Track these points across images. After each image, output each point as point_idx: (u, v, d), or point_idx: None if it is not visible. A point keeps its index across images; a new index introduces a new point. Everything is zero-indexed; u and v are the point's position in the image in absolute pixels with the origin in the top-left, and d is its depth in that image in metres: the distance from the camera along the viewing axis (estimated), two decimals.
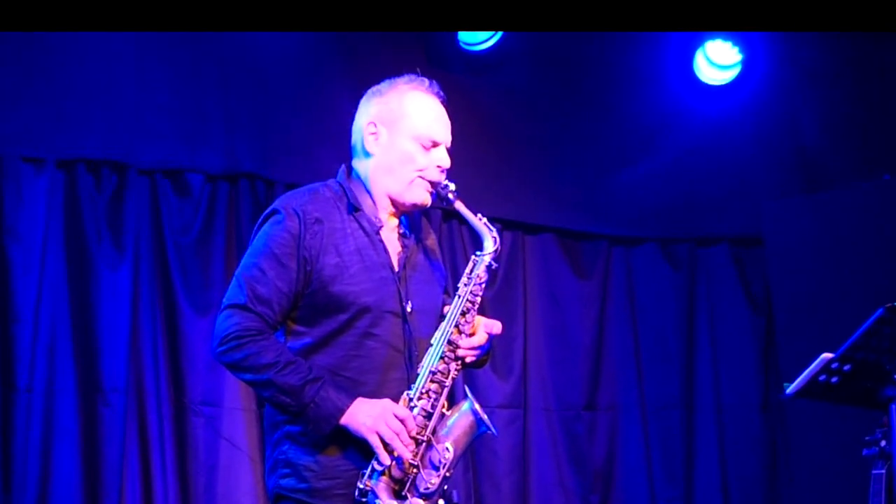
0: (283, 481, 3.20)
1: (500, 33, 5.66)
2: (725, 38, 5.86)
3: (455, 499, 3.22)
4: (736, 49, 5.88)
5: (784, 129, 6.17)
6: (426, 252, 3.45)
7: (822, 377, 3.41)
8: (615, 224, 6.21)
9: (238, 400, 5.13)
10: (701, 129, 6.16)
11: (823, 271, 5.85)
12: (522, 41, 5.81)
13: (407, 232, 3.40)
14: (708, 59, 5.97)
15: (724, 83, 6.02)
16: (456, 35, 5.62)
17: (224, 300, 3.22)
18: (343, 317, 3.21)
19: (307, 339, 3.22)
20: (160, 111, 5.13)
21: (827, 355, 3.39)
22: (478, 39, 5.69)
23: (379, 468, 3.11)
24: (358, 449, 3.15)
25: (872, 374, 3.40)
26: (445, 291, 3.47)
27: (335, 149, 5.19)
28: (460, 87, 5.77)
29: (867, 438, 3.51)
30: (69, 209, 4.95)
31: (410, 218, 3.44)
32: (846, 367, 3.39)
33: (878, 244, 5.66)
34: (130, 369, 4.94)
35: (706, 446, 6.19)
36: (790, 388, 3.48)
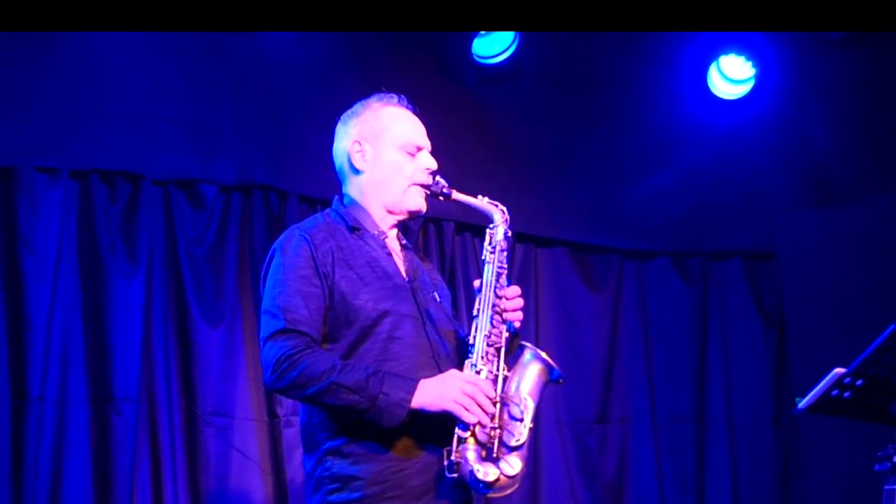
0: (332, 497, 3.20)
1: (513, 47, 5.66)
2: (739, 53, 5.86)
3: None
4: (749, 63, 5.88)
5: (797, 142, 6.16)
6: (428, 271, 3.57)
7: (835, 392, 3.40)
8: (628, 237, 6.20)
9: (249, 411, 5.13)
10: (714, 143, 6.16)
11: (836, 285, 5.84)
12: (536, 54, 5.81)
13: (407, 243, 3.53)
14: (721, 73, 5.96)
15: (737, 97, 6.02)
16: (469, 48, 5.62)
17: (261, 335, 3.25)
18: (364, 324, 3.26)
19: (335, 354, 3.25)
20: (174, 122, 5.14)
21: (839, 370, 3.38)
22: (491, 52, 5.69)
23: (464, 435, 3.15)
24: (399, 451, 3.19)
25: (885, 389, 3.39)
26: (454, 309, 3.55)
27: None
28: (473, 100, 5.78)
29: (879, 454, 3.50)
30: (83, 219, 4.96)
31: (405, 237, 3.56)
32: (858, 383, 3.37)
33: (891, 258, 5.65)
34: (142, 379, 4.94)
35: (718, 460, 6.16)
36: (802, 403, 3.47)
